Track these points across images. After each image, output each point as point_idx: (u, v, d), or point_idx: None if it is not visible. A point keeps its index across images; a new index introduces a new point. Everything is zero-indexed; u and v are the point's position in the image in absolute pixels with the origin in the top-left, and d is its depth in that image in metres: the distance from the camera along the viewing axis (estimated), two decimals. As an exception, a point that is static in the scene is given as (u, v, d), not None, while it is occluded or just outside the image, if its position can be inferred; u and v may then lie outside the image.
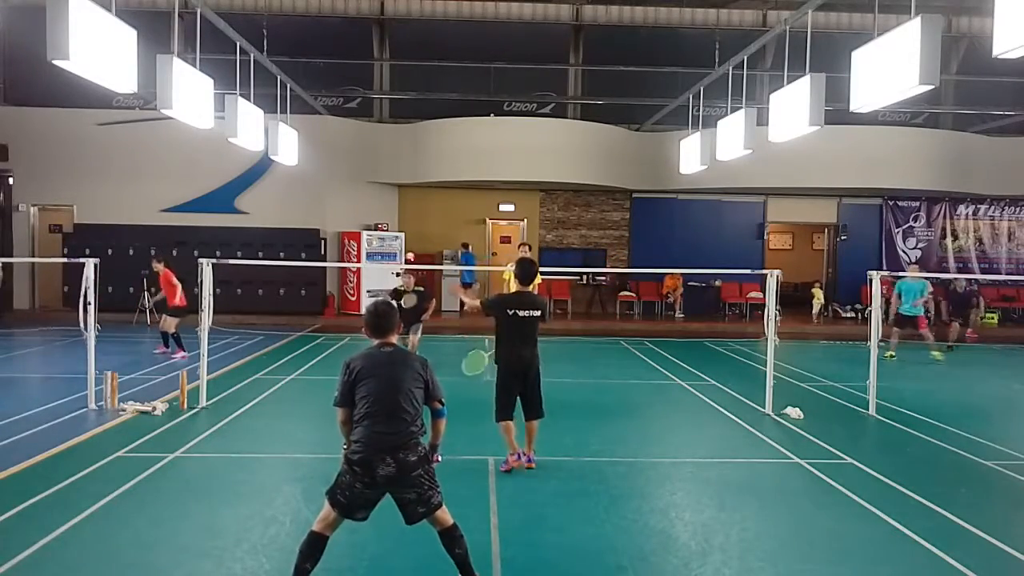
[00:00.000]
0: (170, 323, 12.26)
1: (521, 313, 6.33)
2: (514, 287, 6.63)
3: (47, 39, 6.37)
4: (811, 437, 7.77)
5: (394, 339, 4.21)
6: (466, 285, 19.75)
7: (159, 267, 12.54)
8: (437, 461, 4.22)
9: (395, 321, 4.22)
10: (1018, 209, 21.23)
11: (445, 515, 4.08)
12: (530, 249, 12.82)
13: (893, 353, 13.17)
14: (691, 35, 20.57)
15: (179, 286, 12.35)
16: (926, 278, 18.99)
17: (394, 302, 4.50)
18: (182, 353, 12.03)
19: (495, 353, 6.42)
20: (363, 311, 4.25)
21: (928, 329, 13.56)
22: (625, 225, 21.23)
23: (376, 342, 4.16)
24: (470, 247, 20.04)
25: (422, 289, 11.14)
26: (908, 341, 13.79)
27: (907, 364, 12.89)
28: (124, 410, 8.21)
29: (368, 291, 18.78)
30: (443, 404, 4.19)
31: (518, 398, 6.46)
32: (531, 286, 6.63)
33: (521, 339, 6.34)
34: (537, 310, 6.42)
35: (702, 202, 20.74)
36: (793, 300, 20.84)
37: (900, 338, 13.50)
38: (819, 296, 20.08)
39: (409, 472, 3.91)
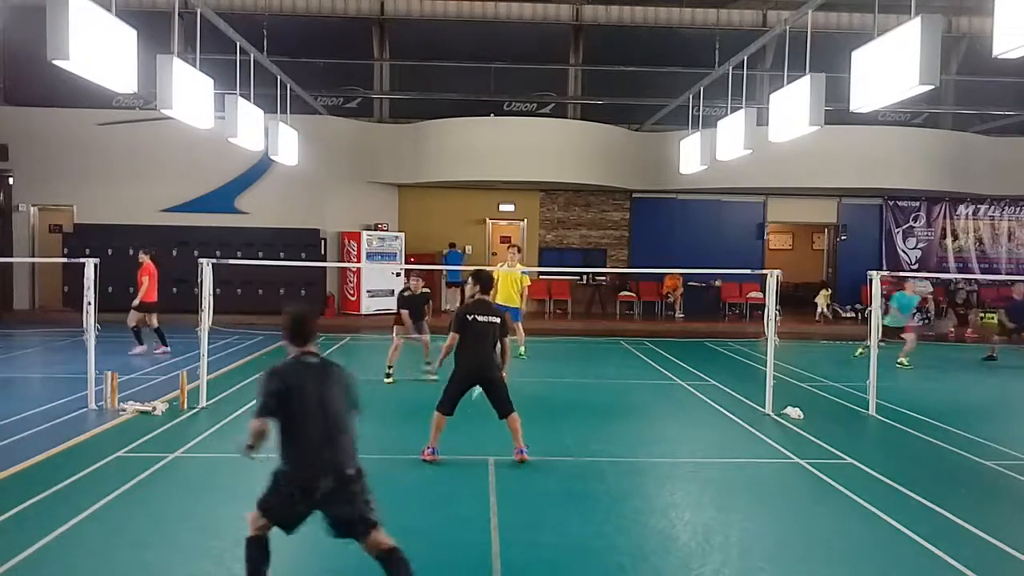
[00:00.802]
0: (133, 317, 12.29)
1: (480, 319, 6.40)
2: (475, 294, 6.71)
3: (47, 39, 6.37)
4: (811, 437, 7.77)
5: (314, 347, 4.05)
6: (456, 284, 19.78)
7: (144, 258, 12.52)
8: None
9: (316, 327, 4.12)
10: (1018, 209, 21.23)
11: (382, 536, 3.86)
12: (519, 251, 12.88)
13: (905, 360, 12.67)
14: (691, 35, 20.55)
15: (151, 283, 12.34)
16: (927, 277, 19.09)
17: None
18: (141, 348, 12.12)
19: (455, 359, 6.48)
20: (284, 314, 4.08)
21: (913, 334, 12.91)
22: (625, 225, 21.23)
23: (297, 351, 4.00)
24: (458, 247, 20.01)
25: (428, 291, 11.18)
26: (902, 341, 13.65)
27: (909, 365, 12.86)
28: (124, 410, 8.21)
29: (369, 291, 18.80)
30: (359, 412, 4.08)
31: (486, 402, 6.51)
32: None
33: (476, 344, 6.37)
34: (495, 317, 6.50)
35: (702, 202, 20.73)
36: (793, 300, 20.85)
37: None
38: (825, 298, 20.07)
39: (348, 486, 3.81)
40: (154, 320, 12.43)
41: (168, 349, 12.20)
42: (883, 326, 12.30)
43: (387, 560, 3.82)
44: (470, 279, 6.79)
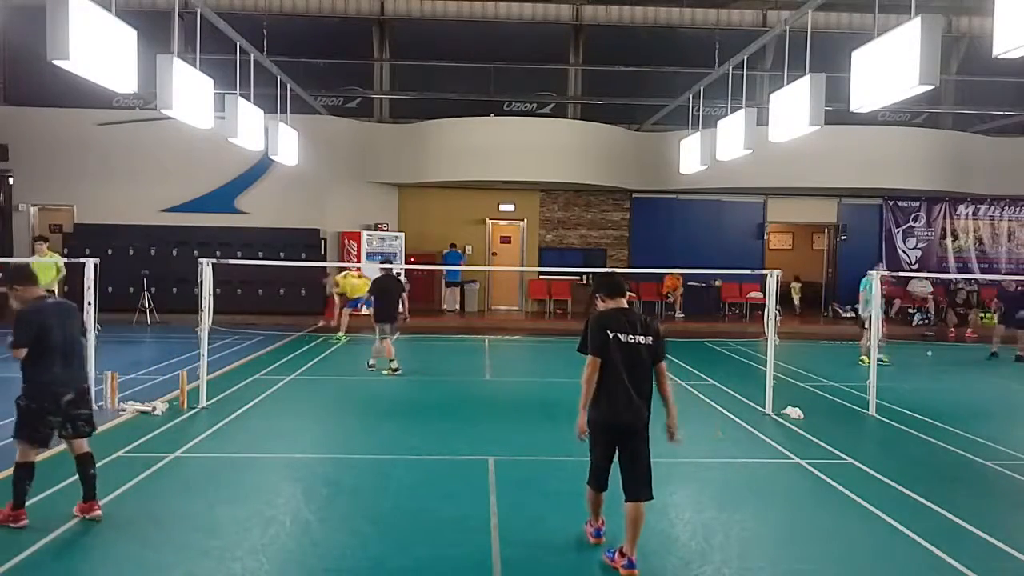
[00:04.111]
0: None
1: (623, 337, 4.57)
2: (604, 304, 4.93)
3: (47, 39, 6.36)
4: (811, 437, 7.77)
5: (47, 290, 5.41)
6: (456, 284, 19.76)
7: None
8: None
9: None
10: (1018, 209, 21.22)
11: (86, 444, 5.19)
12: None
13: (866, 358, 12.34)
14: (691, 35, 20.55)
15: None
16: (927, 277, 19.08)
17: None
18: None
19: (593, 399, 4.62)
20: None
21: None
22: (625, 225, 21.22)
23: (38, 293, 5.20)
24: (459, 247, 19.99)
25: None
26: (903, 340, 13.65)
27: (909, 365, 12.86)
28: (124, 410, 8.20)
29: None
30: (86, 338, 5.61)
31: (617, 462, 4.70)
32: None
33: (623, 378, 4.51)
34: (648, 335, 4.58)
35: (702, 202, 20.72)
36: (792, 300, 20.91)
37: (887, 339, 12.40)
38: (796, 291, 20.21)
39: (84, 396, 5.20)
40: None
41: None
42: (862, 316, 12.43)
43: (83, 458, 5.15)
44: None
